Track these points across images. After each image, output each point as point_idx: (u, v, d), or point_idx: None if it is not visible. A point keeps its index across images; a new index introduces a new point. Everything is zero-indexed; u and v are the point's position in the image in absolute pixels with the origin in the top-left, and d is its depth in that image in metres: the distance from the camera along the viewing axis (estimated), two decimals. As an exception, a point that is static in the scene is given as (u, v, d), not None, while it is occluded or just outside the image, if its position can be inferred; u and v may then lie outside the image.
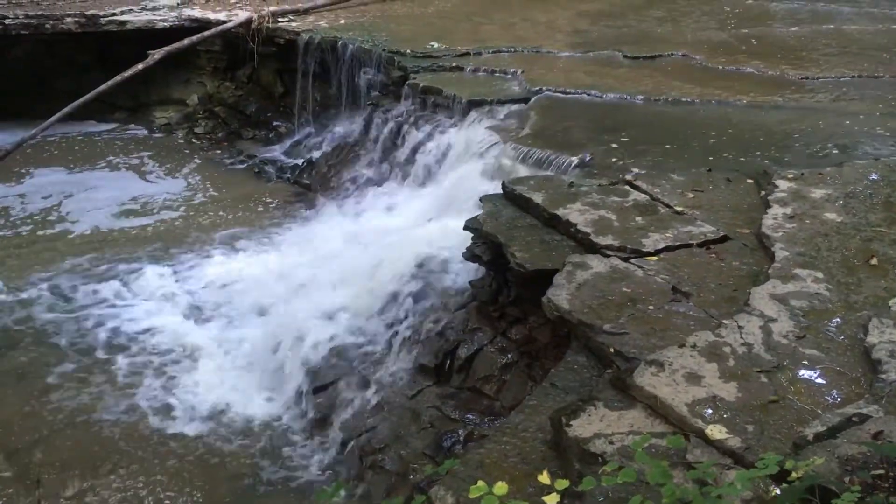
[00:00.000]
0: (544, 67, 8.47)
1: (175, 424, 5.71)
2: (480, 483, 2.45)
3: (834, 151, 5.77)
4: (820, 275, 3.95)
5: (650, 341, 3.54)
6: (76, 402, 5.90)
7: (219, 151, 10.72)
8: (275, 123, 10.98)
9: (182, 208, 9.02)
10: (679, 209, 4.74)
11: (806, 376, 3.20)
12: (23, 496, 5.03)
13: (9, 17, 10.46)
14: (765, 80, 7.94)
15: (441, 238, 6.04)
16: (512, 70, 8.32)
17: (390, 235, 6.82)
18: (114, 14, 10.86)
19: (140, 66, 9.68)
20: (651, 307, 3.80)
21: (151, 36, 10.47)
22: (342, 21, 10.96)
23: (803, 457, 2.60)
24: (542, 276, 4.26)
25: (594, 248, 4.38)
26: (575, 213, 4.71)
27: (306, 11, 11.34)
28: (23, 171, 9.73)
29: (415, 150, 7.89)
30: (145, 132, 11.29)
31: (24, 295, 7.18)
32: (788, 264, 4.04)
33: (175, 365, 6.33)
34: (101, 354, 6.45)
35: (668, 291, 3.92)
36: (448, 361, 5.12)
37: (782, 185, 4.96)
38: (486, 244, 4.93)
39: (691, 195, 4.96)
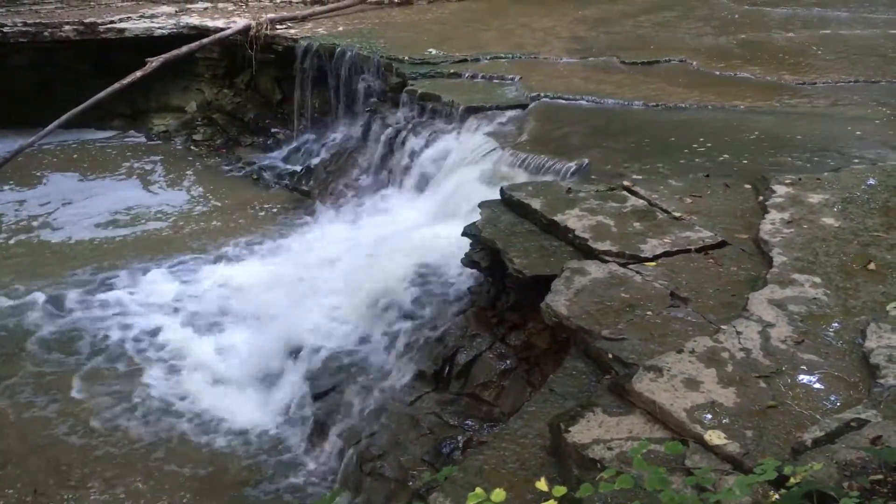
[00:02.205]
0: (542, 73, 8.49)
1: (173, 432, 5.71)
2: (479, 490, 2.44)
3: (831, 156, 5.78)
4: (818, 280, 3.95)
5: (649, 347, 3.53)
6: (73, 409, 5.90)
7: (217, 158, 10.74)
8: (273, 130, 11.00)
9: (180, 215, 9.02)
10: (677, 215, 4.74)
11: (804, 381, 3.20)
12: (20, 504, 5.03)
13: (7, 25, 10.48)
14: (762, 86, 7.95)
15: (439, 244, 6.04)
16: (510, 76, 8.34)
17: (389, 241, 6.81)
18: (112, 22, 10.90)
19: (138, 73, 9.70)
20: (649, 313, 3.79)
21: (150, 43, 10.51)
22: (340, 28, 10.99)
23: (802, 462, 2.59)
24: (540, 281, 4.26)
25: (592, 254, 4.37)
26: (573, 219, 4.71)
27: (304, 18, 11.38)
28: (21, 178, 9.73)
29: (413, 157, 7.90)
30: (144, 139, 11.32)
31: (20, 302, 7.17)
32: (786, 269, 4.04)
33: (173, 372, 6.33)
34: (99, 362, 6.45)
35: (667, 297, 3.92)
36: (447, 368, 5.12)
37: (780, 190, 4.96)
38: (484, 250, 4.93)
39: (689, 201, 4.96)
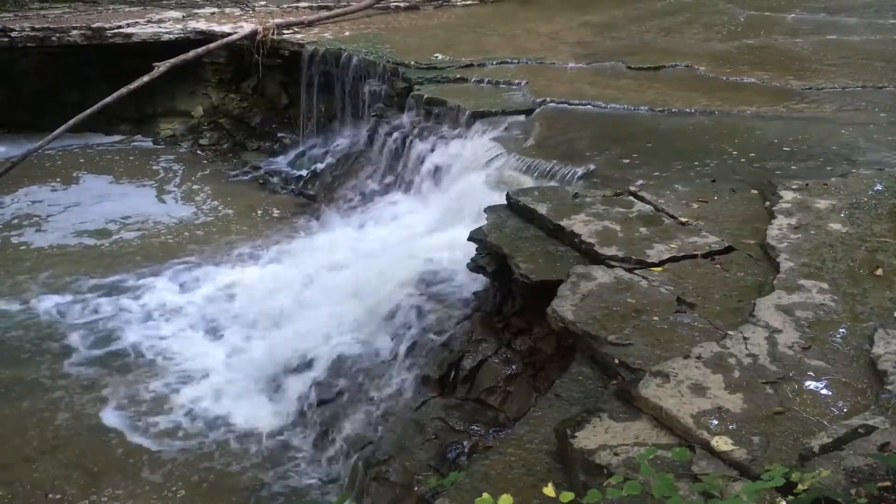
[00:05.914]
0: (548, 78, 8.49)
1: (179, 437, 5.71)
2: (485, 495, 2.44)
3: (839, 162, 5.77)
4: (825, 285, 3.94)
5: (655, 352, 3.53)
6: (81, 414, 5.90)
7: (223, 163, 10.77)
8: (279, 135, 11.02)
9: (186, 220, 9.04)
10: (683, 220, 4.74)
11: (811, 387, 3.19)
12: (27, 508, 5.04)
13: (15, 30, 10.53)
14: (769, 91, 7.94)
15: (445, 249, 6.04)
16: (516, 81, 8.34)
17: (394, 246, 6.82)
18: (120, 27, 10.95)
19: (146, 78, 9.72)
20: (656, 318, 3.79)
21: (157, 48, 10.54)
22: (346, 33, 11.02)
23: (809, 468, 2.58)
24: (546, 287, 4.25)
25: (599, 259, 4.37)
26: (579, 224, 4.70)
27: (311, 24, 11.41)
28: (28, 182, 9.76)
29: (419, 162, 7.90)
30: (150, 144, 11.36)
31: (29, 306, 7.19)
32: (793, 275, 4.03)
33: (179, 377, 6.33)
34: (105, 367, 6.45)
35: (673, 302, 3.91)
36: (452, 373, 5.11)
37: (787, 195, 4.95)
38: (490, 255, 4.93)
39: (696, 206, 4.95)
